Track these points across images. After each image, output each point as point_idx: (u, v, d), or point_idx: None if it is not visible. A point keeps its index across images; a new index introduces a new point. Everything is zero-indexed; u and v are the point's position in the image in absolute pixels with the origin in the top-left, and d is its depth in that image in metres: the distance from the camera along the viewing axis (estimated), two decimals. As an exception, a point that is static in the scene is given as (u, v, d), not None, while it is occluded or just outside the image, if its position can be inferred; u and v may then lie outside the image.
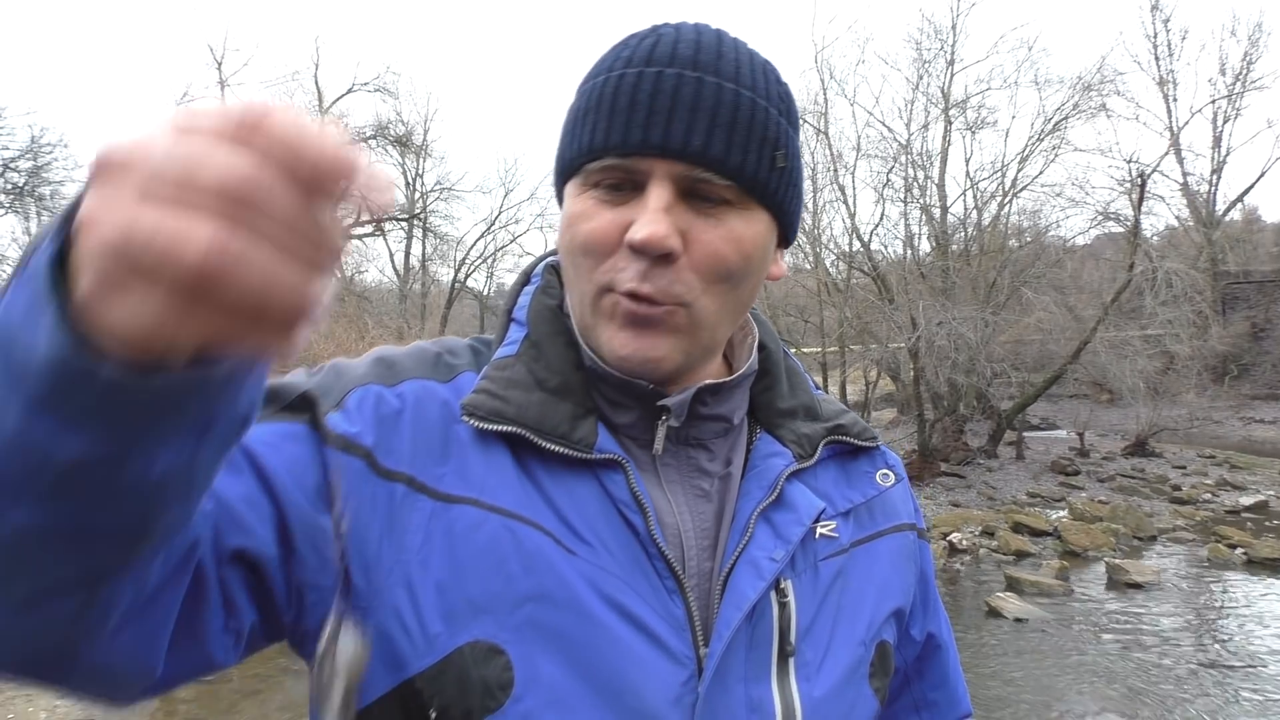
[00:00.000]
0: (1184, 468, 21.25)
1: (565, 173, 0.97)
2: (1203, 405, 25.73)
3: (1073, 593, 11.39)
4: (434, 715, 0.82)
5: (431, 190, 30.20)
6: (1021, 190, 24.07)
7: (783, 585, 0.94)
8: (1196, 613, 10.59)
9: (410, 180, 29.87)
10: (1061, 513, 16.57)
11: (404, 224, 29.59)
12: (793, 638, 0.93)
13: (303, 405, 0.90)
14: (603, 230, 0.90)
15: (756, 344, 1.07)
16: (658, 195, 0.88)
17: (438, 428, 0.92)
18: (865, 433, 1.10)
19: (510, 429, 0.91)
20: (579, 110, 0.94)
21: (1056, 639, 9.62)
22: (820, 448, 1.04)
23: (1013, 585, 11.51)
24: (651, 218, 0.87)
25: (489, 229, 30.55)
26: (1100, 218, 23.74)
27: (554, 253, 1.05)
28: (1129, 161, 23.35)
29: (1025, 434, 22.55)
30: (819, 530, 0.99)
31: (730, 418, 1.02)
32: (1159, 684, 8.37)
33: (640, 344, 0.91)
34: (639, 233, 0.86)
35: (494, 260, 30.98)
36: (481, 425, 0.90)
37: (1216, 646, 9.41)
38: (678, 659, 0.87)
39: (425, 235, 30.33)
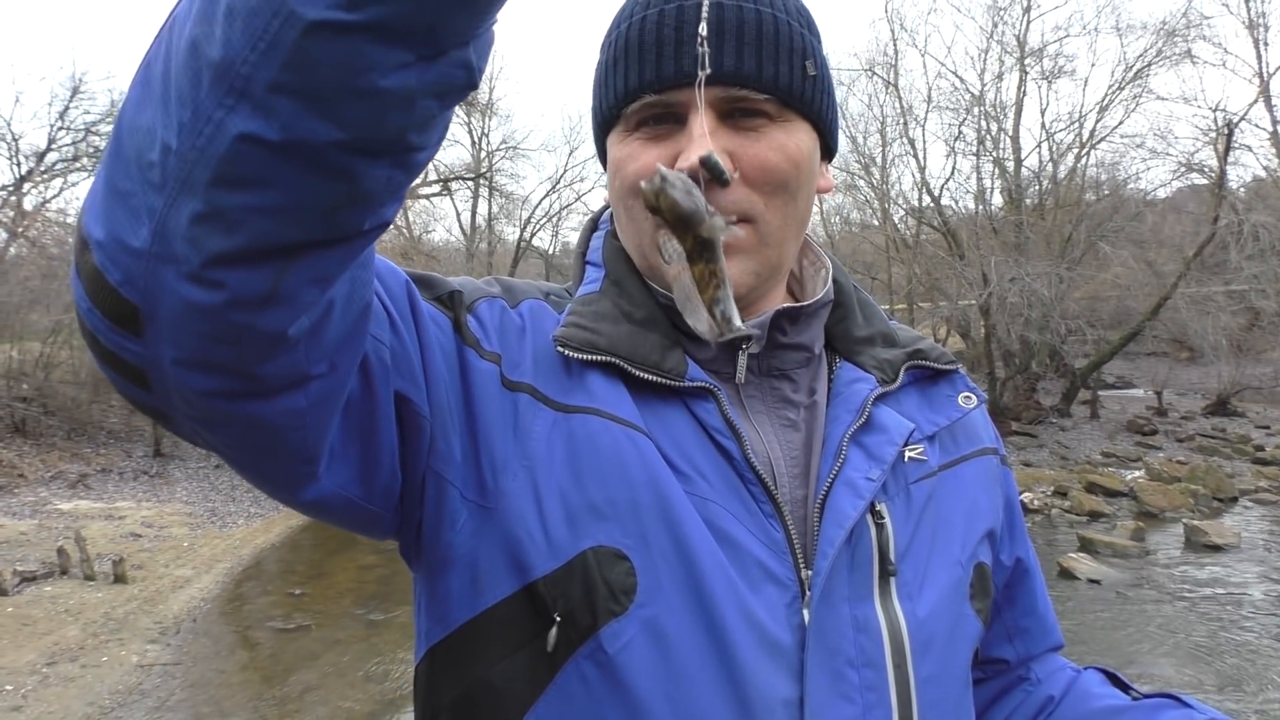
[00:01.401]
0: (1268, 427, 20.61)
1: (605, 125, 0.99)
2: (1289, 363, 24.81)
3: (1148, 554, 11.17)
4: (558, 618, 0.83)
5: (497, 149, 30.27)
6: (1100, 142, 23.34)
7: (878, 508, 0.94)
8: (1279, 574, 10.31)
9: (476, 139, 29.98)
10: (1138, 473, 16.22)
11: (470, 183, 29.77)
12: (893, 557, 0.93)
13: (451, 302, 0.93)
14: (651, 167, 0.90)
15: (830, 276, 1.07)
16: (700, 122, 0.89)
17: (554, 346, 0.93)
18: (943, 356, 1.09)
19: (605, 358, 0.91)
20: (609, 61, 0.97)
21: (1131, 601, 9.46)
22: (901, 372, 1.04)
23: (1086, 546, 11.33)
24: (698, 143, 0.88)
25: (554, 187, 30.52)
26: (1183, 169, 22.90)
27: None
28: (1215, 110, 22.35)
29: (1100, 393, 22.05)
30: (908, 454, 0.99)
31: (810, 346, 1.03)
32: (1237, 648, 8.19)
33: None
34: (688, 159, 0.87)
35: (559, 219, 30.96)
36: (576, 355, 0.91)
37: (1300, 610, 9.17)
38: (781, 582, 0.88)
39: (491, 194, 30.45)
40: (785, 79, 0.92)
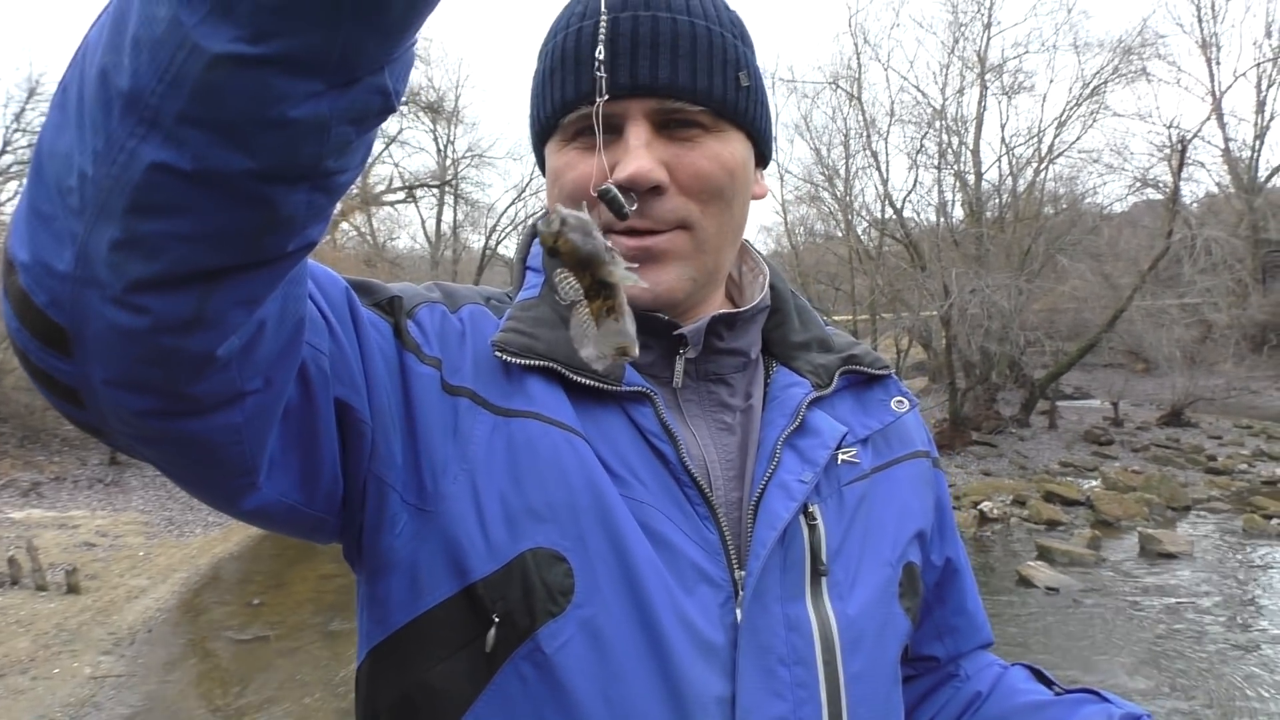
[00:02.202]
0: (1220, 438, 20.99)
1: (543, 134, 1.00)
2: (1240, 375, 25.32)
3: (1104, 562, 11.34)
4: (497, 619, 0.84)
5: (463, 157, 30.20)
6: (1058, 156, 23.74)
7: (810, 509, 0.96)
8: (1230, 583, 10.51)
9: (441, 147, 29.88)
10: (1094, 482, 16.46)
11: (435, 191, 29.64)
12: (824, 557, 0.95)
13: (390, 308, 0.94)
14: (589, 176, 0.93)
15: (768, 282, 1.09)
16: (636, 133, 0.92)
17: (493, 351, 0.94)
18: (877, 362, 1.12)
19: (542, 363, 0.93)
20: (545, 71, 0.98)
21: (1088, 608, 9.60)
22: (836, 377, 1.07)
23: (1044, 554, 11.48)
24: (634, 154, 0.90)
25: (520, 195, 30.50)
26: (1138, 184, 23.41)
27: None
28: (1169, 127, 22.97)
29: (1058, 403, 22.35)
30: (841, 457, 1.02)
31: (747, 352, 1.05)
32: (1191, 654, 8.33)
33: (648, 279, 0.93)
34: (625, 170, 0.90)
35: (525, 227, 30.91)
36: (514, 360, 0.92)
37: (1250, 617, 9.35)
38: (715, 582, 0.90)
39: (456, 202, 30.38)
40: (719, 90, 0.94)
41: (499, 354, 0.93)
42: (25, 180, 0.63)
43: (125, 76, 0.53)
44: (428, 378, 0.91)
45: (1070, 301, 23.47)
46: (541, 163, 1.04)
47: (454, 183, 29.74)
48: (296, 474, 0.83)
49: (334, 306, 0.85)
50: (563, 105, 0.95)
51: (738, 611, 0.89)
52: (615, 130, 0.93)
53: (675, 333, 0.99)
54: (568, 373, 0.93)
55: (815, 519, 0.96)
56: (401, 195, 28.46)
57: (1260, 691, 7.50)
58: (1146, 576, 10.78)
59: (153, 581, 11.01)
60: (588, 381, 0.93)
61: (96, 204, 0.56)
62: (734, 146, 0.96)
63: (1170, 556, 11.42)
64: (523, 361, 0.92)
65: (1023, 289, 19.52)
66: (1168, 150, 22.13)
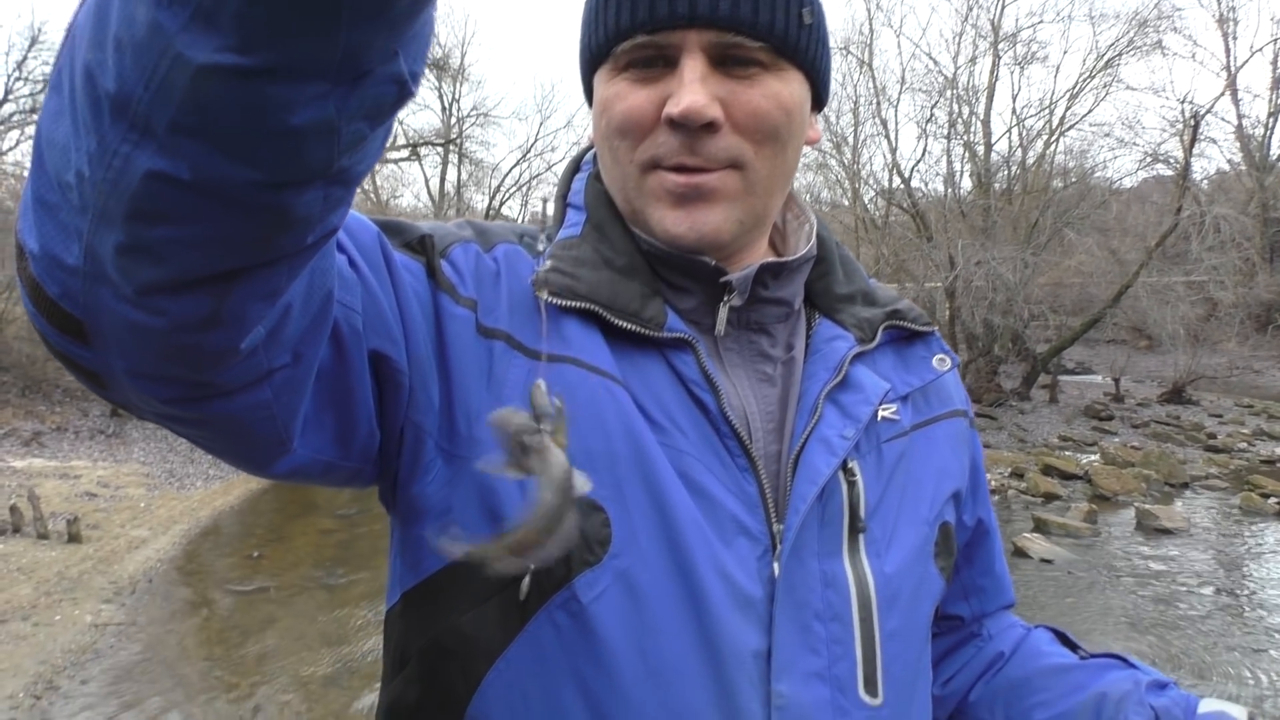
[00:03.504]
0: (1220, 416, 21.02)
1: (594, 61, 0.96)
2: (1244, 354, 25.32)
3: (1100, 536, 11.39)
4: (531, 567, 0.82)
5: (468, 115, 29.99)
6: (1069, 129, 23.58)
7: (850, 465, 0.95)
8: (1225, 559, 10.56)
9: (446, 105, 29.66)
10: (1093, 457, 16.50)
11: (439, 149, 29.46)
12: (863, 515, 0.94)
13: (421, 248, 0.91)
14: (639, 108, 0.90)
15: (814, 232, 1.06)
16: (692, 66, 0.88)
17: (530, 291, 0.92)
18: (920, 318, 1.10)
19: (583, 305, 0.90)
20: None
21: (1082, 580, 9.65)
22: (879, 332, 1.04)
23: (1040, 526, 11.52)
24: (689, 88, 0.86)
25: (524, 156, 30.35)
26: (1149, 159, 23.23)
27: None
28: (1183, 102, 22.75)
29: (1060, 378, 22.37)
30: (881, 413, 1.00)
31: (791, 302, 1.02)
32: (1183, 628, 8.39)
33: (693, 219, 0.91)
34: (679, 105, 0.86)
35: (529, 188, 30.79)
36: (554, 301, 0.90)
37: (1244, 593, 9.41)
38: (753, 535, 0.89)
39: (461, 161, 30.21)
40: (781, 26, 0.89)
41: (539, 294, 0.90)
42: (30, 162, 0.59)
43: (110, 79, 0.48)
44: (463, 319, 0.88)
45: (1076, 276, 23.41)
46: (589, 93, 1.00)
47: (458, 141, 29.55)
48: (331, 432, 0.81)
49: (366, 255, 0.83)
50: (616, 33, 0.91)
51: (775, 566, 0.88)
52: (669, 62, 0.89)
53: (722, 279, 0.96)
54: (609, 316, 0.91)
55: (854, 475, 0.95)
56: (405, 153, 28.27)
57: (1251, 666, 7.56)
58: (1142, 551, 10.83)
59: (154, 532, 11.07)
60: (629, 326, 0.91)
61: (97, 207, 0.52)
62: (793, 86, 0.92)
63: (1167, 532, 11.46)
64: (563, 303, 0.90)
65: (1028, 262, 19.44)
66: (1180, 125, 21.96)
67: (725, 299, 0.97)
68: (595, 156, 1.04)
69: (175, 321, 0.58)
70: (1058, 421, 19.77)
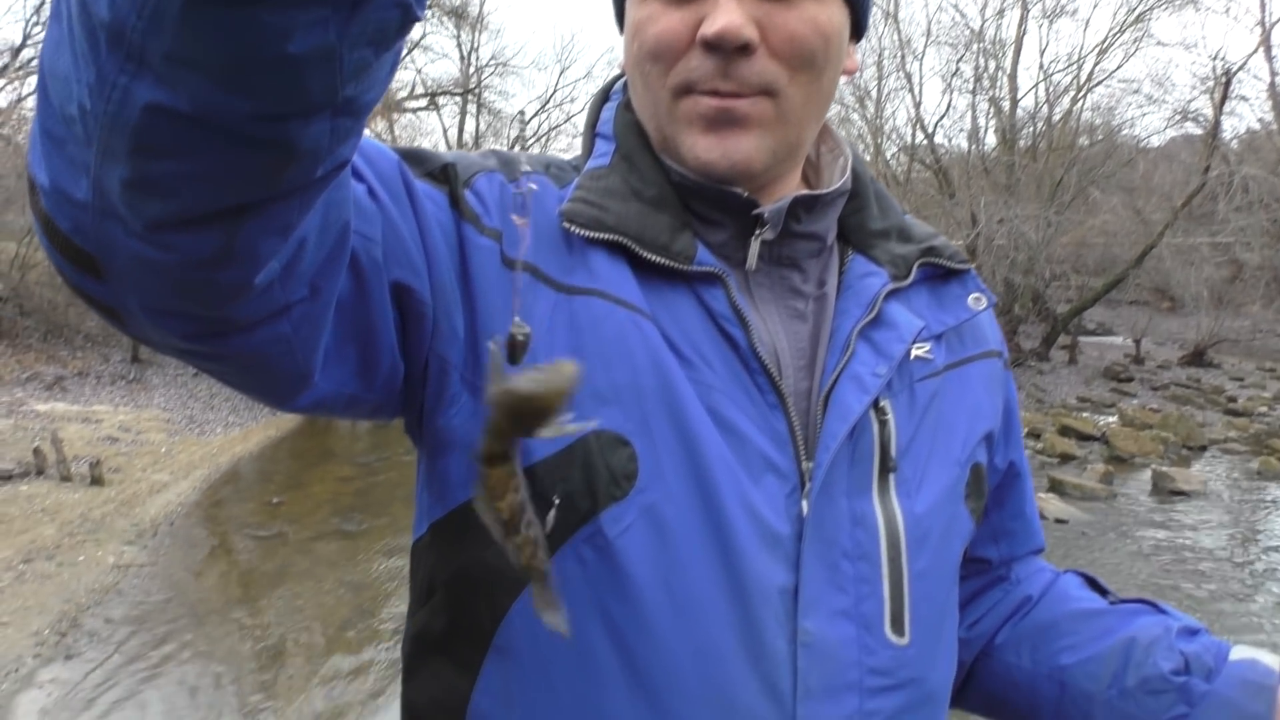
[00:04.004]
0: (1242, 380, 20.88)
1: None
2: (1268, 317, 25.03)
3: (1116, 497, 11.38)
4: (557, 501, 0.82)
5: (486, 65, 29.73)
6: (1097, 85, 23.16)
7: (881, 404, 0.93)
8: (1241, 522, 10.55)
9: (465, 54, 29.38)
10: (1111, 419, 16.43)
11: (458, 99, 29.26)
12: (894, 454, 0.93)
13: (444, 177, 0.89)
14: (672, 30, 0.87)
15: (849, 165, 1.03)
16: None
17: (557, 223, 0.90)
18: (957, 255, 1.06)
19: (611, 237, 0.89)
20: None
21: (1095, 541, 9.66)
22: (914, 269, 1.02)
23: (1055, 486, 11.51)
24: (725, 8, 0.84)
25: (543, 107, 30.11)
26: (1178, 117, 22.83)
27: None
28: (1214, 58, 22.26)
29: (1080, 338, 22.23)
30: (914, 352, 0.98)
31: (823, 236, 0.99)
32: (1196, 589, 8.40)
33: (725, 145, 0.89)
34: (714, 25, 0.84)
35: (548, 140, 30.57)
36: (582, 232, 0.88)
37: (1257, 556, 9.40)
38: (782, 473, 0.88)
39: (479, 111, 30.00)
40: None
41: (566, 225, 0.88)
42: (36, 96, 0.57)
43: (104, 7, 0.46)
44: (487, 250, 0.86)
45: (1099, 236, 23.15)
46: (620, 17, 0.97)
47: (477, 91, 29.33)
48: (354, 365, 0.80)
49: (386, 183, 0.81)
50: None
51: (804, 503, 0.87)
52: None
53: (755, 212, 0.93)
54: (637, 249, 0.89)
55: (886, 414, 0.93)
56: (424, 102, 28.09)
57: (1263, 628, 7.57)
58: (1157, 513, 10.82)
59: (174, 477, 11.22)
60: (657, 260, 0.89)
61: (100, 141, 0.51)
62: (831, 11, 0.89)
63: (1183, 494, 11.44)
64: (591, 234, 0.88)
65: (1052, 221, 19.24)
66: (1211, 83, 21.52)
67: (757, 233, 0.94)
68: (625, 85, 1.02)
69: (186, 257, 0.57)
70: (1076, 382, 19.68)
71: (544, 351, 0.84)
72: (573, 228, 0.88)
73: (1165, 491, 11.60)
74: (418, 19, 0.51)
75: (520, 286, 0.84)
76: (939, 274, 1.05)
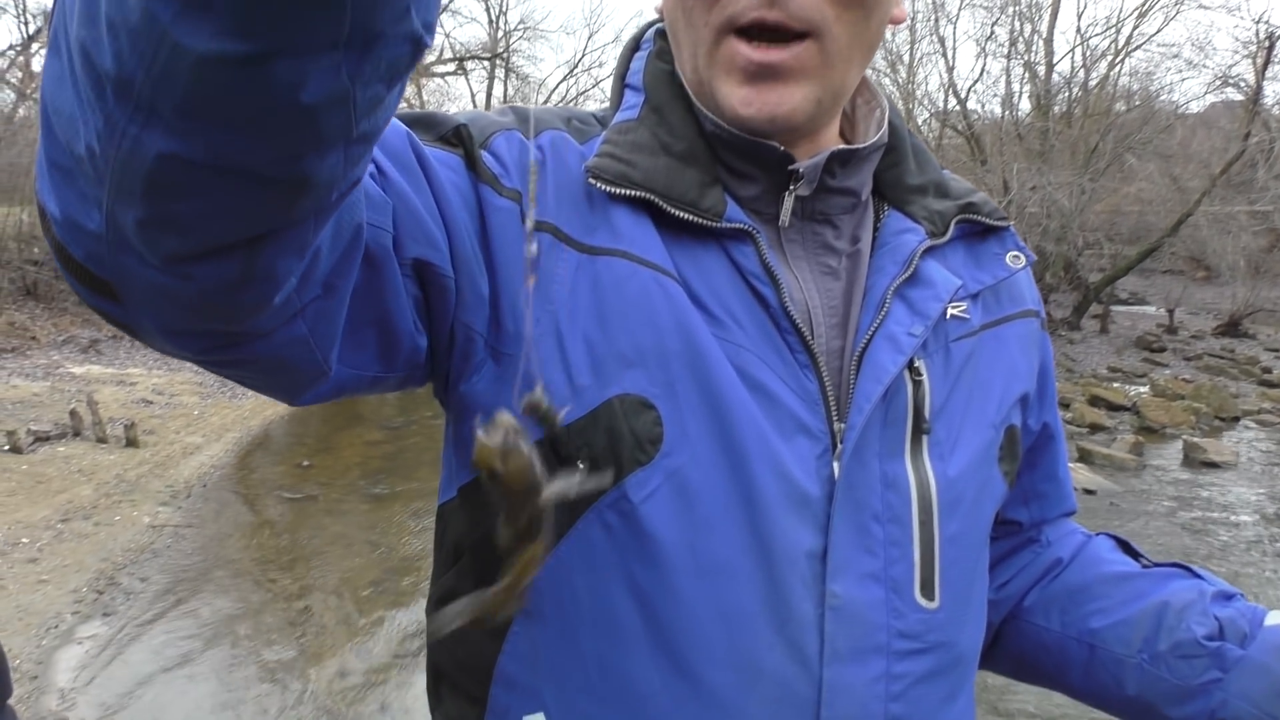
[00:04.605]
0: (1277, 350, 20.52)
1: None
2: (1306, 287, 24.61)
3: (1145, 468, 11.28)
4: (582, 466, 0.81)
5: (515, 29, 29.57)
6: (1136, 49, 22.68)
7: (916, 364, 0.91)
8: (1274, 495, 10.42)
9: (493, 18, 29.23)
10: (1142, 389, 16.24)
11: (486, 63, 29.12)
12: (928, 415, 0.91)
13: (458, 139, 0.87)
14: None
15: (886, 117, 1.00)
16: None
17: (579, 181, 0.88)
18: (995, 212, 1.03)
19: (638, 193, 0.86)
20: None
21: (1124, 511, 9.58)
22: (952, 225, 0.98)
23: (1084, 456, 11.42)
24: None
25: (571, 72, 29.98)
26: (1218, 83, 22.32)
27: (660, 20, 0.99)
28: (1257, 22, 21.74)
29: (1112, 308, 21.94)
30: (950, 311, 0.95)
31: (858, 192, 0.96)
32: (1226, 562, 8.33)
33: (764, 99, 0.86)
34: None
35: (576, 104, 30.40)
36: (608, 188, 0.86)
37: (1291, 529, 9.30)
38: (813, 434, 0.86)
39: (507, 76, 29.86)
40: None
41: (592, 181, 0.86)
42: (39, 123, 0.56)
43: (108, 59, 0.45)
44: (506, 211, 0.84)
45: (1134, 204, 22.76)
46: None
47: (505, 55, 29.17)
48: (374, 350, 0.80)
49: (397, 159, 0.79)
50: None
51: (835, 465, 0.86)
52: None
53: (791, 167, 0.90)
54: (665, 205, 0.86)
55: (921, 375, 0.91)
56: (452, 67, 28.00)
57: (1294, 601, 7.52)
58: (1187, 484, 10.72)
59: (207, 439, 11.38)
60: (686, 216, 0.86)
61: (113, 182, 0.50)
62: None
63: (1214, 466, 11.31)
64: (617, 191, 0.86)
65: (1086, 188, 18.93)
66: (1253, 47, 21.02)
67: (791, 188, 0.91)
68: (655, 34, 1.00)
69: (204, 286, 0.57)
70: (1108, 352, 19.45)
71: (567, 314, 0.83)
72: (598, 184, 0.86)
73: (1196, 463, 11.47)
74: (428, 48, 0.51)
75: (532, 291, 0.82)
76: (976, 231, 1.03)
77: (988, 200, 1.04)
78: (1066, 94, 23.06)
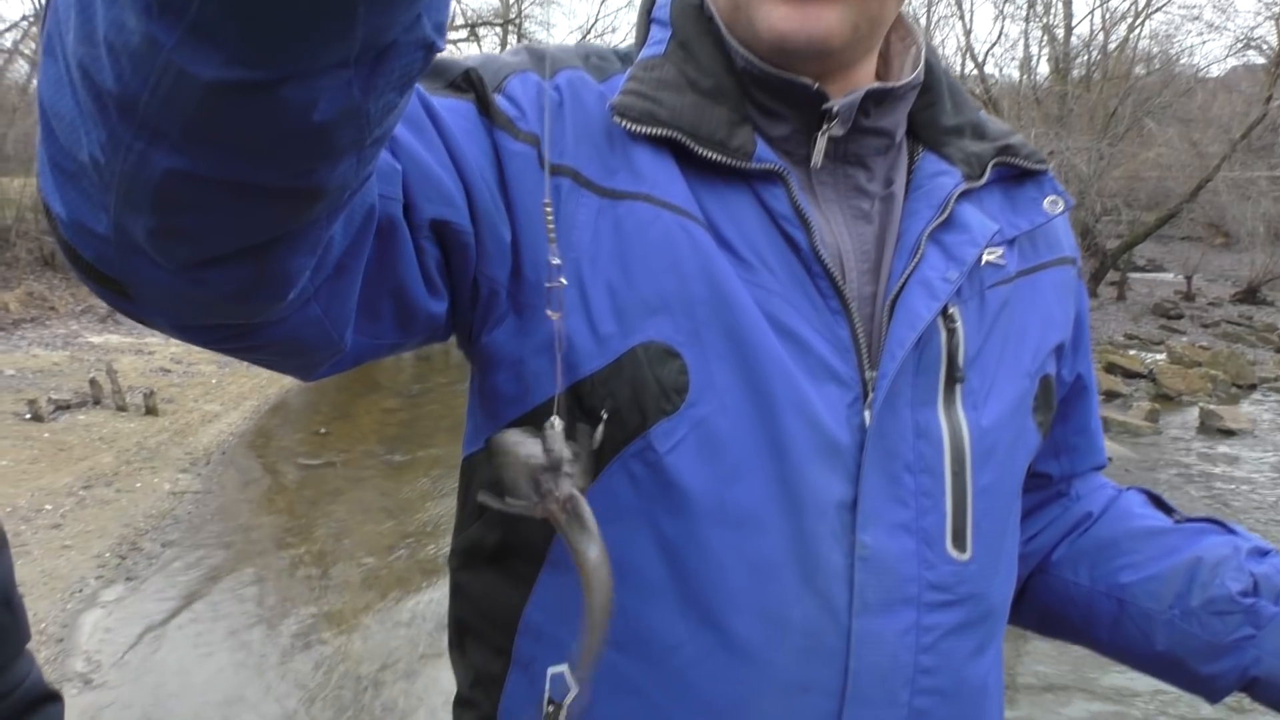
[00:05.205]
0: (1296, 317, 20.36)
1: None
2: (1326, 254, 24.35)
3: (1161, 435, 11.24)
4: (605, 416, 0.80)
5: (527, -6, 29.30)
6: (1156, 11, 22.40)
7: (950, 311, 0.88)
8: (1290, 462, 10.38)
9: (505, -18, 28.97)
10: (1159, 356, 16.14)
11: (498, 29, 28.91)
12: (961, 364, 0.88)
13: (468, 84, 0.83)
14: None
15: (922, 55, 0.95)
16: None
17: (598, 122, 0.84)
18: (1034, 155, 0.99)
19: (664, 132, 0.83)
20: None
21: (1141, 478, 9.57)
22: (989, 169, 0.95)
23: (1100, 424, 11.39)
24: None
25: (584, 37, 29.66)
26: (1240, 45, 21.99)
27: None
28: (1283, -19, 21.22)
29: (1129, 275, 21.76)
30: (986, 257, 0.92)
31: (892, 133, 0.93)
32: (1243, 524, 8.32)
33: (805, 15, 0.81)
34: None
35: (588, 71, 30.17)
36: (633, 127, 0.83)
37: (1307, 495, 9.27)
38: (843, 382, 0.84)
39: (520, 41, 29.63)
40: None
41: (617, 119, 0.83)
42: (38, 121, 0.53)
43: (109, 79, 0.43)
44: (523, 157, 0.81)
45: (1153, 169, 22.48)
46: None
47: (518, 21, 28.94)
48: (390, 319, 0.78)
49: (407, 119, 0.77)
50: None
51: (866, 414, 0.84)
52: None
53: (824, 106, 0.86)
54: (692, 145, 0.83)
55: (955, 322, 0.88)
56: (464, 33, 27.80)
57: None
58: (1203, 451, 10.68)
59: (225, 407, 11.46)
60: (714, 156, 0.83)
61: (119, 193, 0.48)
62: None
63: (1230, 433, 11.27)
64: (642, 130, 0.83)
65: (1104, 153, 18.70)
66: (1276, 8, 20.66)
67: (824, 128, 0.88)
68: None
69: (219, 289, 0.56)
70: (1124, 319, 19.32)
71: (590, 261, 0.81)
72: (623, 122, 0.83)
73: (1213, 430, 11.42)
74: (440, 49, 0.49)
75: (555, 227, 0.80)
76: (1014, 174, 0.99)
77: (1026, 143, 1.00)
78: (1086, 57, 22.76)
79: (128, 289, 0.58)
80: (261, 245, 0.54)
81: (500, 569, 0.90)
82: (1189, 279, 22.20)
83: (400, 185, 0.74)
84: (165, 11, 0.38)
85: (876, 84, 0.89)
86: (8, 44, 19.31)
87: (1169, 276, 24.24)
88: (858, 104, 0.87)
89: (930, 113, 0.97)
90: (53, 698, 1.01)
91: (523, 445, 0.71)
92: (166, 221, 0.50)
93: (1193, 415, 12.16)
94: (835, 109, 0.87)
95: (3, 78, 19.53)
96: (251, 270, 0.55)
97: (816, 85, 0.86)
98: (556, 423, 0.75)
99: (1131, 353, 16.20)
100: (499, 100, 0.82)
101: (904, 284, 0.87)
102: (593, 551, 0.71)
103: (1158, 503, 1.12)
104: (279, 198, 0.50)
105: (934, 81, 0.98)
